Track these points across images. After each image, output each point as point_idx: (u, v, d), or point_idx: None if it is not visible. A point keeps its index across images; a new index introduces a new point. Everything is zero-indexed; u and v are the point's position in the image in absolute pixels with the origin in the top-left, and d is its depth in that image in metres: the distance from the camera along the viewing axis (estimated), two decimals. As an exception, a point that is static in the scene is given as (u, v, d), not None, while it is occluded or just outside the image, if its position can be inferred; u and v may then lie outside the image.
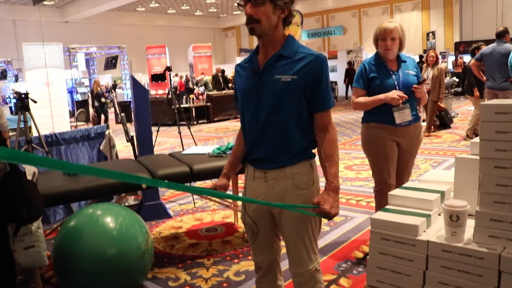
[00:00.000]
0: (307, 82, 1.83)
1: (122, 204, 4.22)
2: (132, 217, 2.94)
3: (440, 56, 11.48)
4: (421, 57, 18.32)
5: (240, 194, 3.62)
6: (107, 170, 1.30)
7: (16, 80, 21.83)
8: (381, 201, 3.07)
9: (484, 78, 6.76)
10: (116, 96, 12.88)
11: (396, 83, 3.05)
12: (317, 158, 1.97)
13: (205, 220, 4.47)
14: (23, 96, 4.70)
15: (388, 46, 3.04)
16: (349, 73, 18.15)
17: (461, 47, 20.74)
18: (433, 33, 23.93)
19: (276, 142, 1.86)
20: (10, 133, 7.18)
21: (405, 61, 3.15)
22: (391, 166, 3.14)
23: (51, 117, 10.53)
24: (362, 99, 3.12)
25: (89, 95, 15.66)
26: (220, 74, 17.64)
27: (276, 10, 1.83)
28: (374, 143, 3.16)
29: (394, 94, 2.96)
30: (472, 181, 1.76)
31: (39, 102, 7.24)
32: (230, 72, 19.00)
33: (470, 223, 1.65)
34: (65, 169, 1.59)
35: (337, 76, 19.91)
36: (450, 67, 17.79)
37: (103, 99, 14.36)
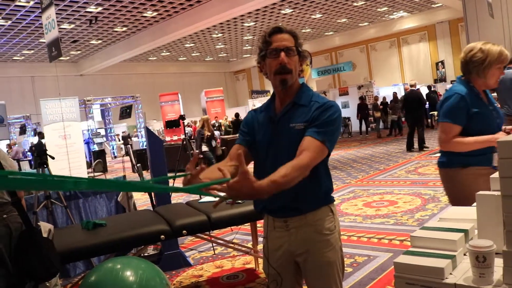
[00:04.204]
0: (314, 120, 1.81)
1: (142, 255, 4.19)
2: (151, 269, 2.91)
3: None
4: (429, 87, 18.35)
5: (260, 240, 3.53)
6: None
7: (35, 134, 22.37)
8: None
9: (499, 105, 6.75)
10: (132, 145, 12.96)
11: (498, 120, 2.58)
12: (336, 202, 1.94)
13: (225, 267, 4.40)
14: (41, 153, 4.79)
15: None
16: (362, 108, 18.27)
17: (472, 75, 20.71)
18: (442, 62, 24.09)
19: (295, 190, 1.77)
20: (30, 188, 7.33)
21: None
22: None
23: (69, 169, 10.70)
24: (466, 139, 2.52)
25: (194, 140, 11.92)
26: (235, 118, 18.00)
27: (300, 62, 1.89)
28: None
29: (501, 134, 2.49)
30: (496, 218, 1.71)
31: (57, 155, 7.39)
32: (244, 115, 19.33)
33: (499, 262, 1.59)
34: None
35: (349, 112, 20.11)
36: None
37: (214, 143, 11.34)
